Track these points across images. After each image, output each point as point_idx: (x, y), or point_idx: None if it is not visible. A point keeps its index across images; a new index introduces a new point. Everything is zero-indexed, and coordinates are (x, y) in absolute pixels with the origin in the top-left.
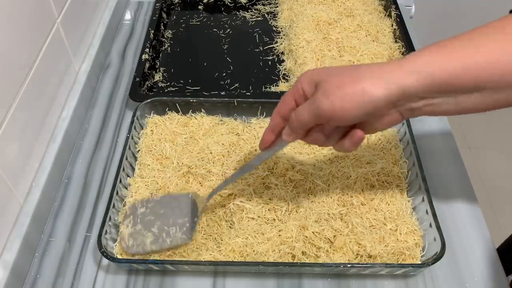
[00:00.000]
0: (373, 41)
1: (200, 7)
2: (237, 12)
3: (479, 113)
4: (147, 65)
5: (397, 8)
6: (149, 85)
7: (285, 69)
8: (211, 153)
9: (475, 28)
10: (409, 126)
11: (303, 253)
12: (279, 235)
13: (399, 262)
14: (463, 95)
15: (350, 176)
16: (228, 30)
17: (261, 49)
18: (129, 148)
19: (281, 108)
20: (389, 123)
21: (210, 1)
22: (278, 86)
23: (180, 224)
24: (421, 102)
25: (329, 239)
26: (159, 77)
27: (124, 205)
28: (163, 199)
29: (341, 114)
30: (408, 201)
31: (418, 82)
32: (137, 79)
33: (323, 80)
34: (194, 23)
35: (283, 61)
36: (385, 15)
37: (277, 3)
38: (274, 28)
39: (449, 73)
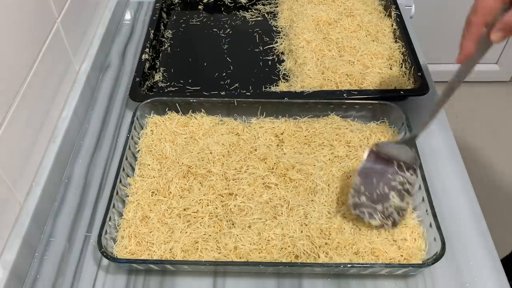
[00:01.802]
0: (373, 41)
1: (200, 7)
2: (237, 12)
3: (481, 112)
4: (147, 65)
5: (397, 8)
6: (149, 85)
7: (285, 69)
8: (211, 153)
9: None
10: (409, 126)
11: (304, 252)
12: (279, 235)
13: (399, 262)
14: None
15: (350, 176)
16: (228, 30)
17: (261, 49)
18: (129, 148)
19: (486, 16)
20: None
21: (210, 1)
22: (278, 86)
23: (401, 170)
24: None
25: (329, 238)
26: (159, 77)
27: (124, 205)
28: (365, 171)
29: None
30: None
31: None
32: (137, 79)
33: None
34: (194, 23)
35: (283, 61)
36: (385, 15)
37: (277, 3)
38: (274, 28)
39: None
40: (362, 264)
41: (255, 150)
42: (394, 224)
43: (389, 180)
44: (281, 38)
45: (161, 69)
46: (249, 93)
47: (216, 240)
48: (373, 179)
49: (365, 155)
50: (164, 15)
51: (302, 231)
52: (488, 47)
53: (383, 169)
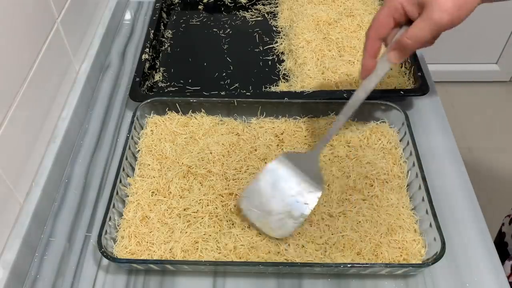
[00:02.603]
0: None
1: (200, 7)
2: (237, 12)
3: (481, 111)
4: (147, 65)
5: None
6: (149, 85)
7: (285, 69)
8: (211, 153)
9: None
10: (409, 126)
11: (304, 252)
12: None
13: (399, 262)
14: None
15: (350, 176)
16: (228, 30)
17: (261, 49)
18: (129, 148)
19: (379, 31)
20: None
21: (210, 1)
22: (278, 86)
23: (303, 186)
24: None
25: (329, 238)
26: (159, 77)
27: (124, 205)
28: (261, 182)
29: (458, 22)
30: (408, 201)
31: None
32: (137, 79)
33: None
34: (194, 23)
35: (283, 61)
36: None
37: (277, 3)
38: (274, 28)
39: None
40: (362, 264)
41: (255, 150)
42: (283, 232)
43: (288, 190)
44: (281, 38)
45: (161, 69)
46: (249, 93)
47: (216, 240)
48: (273, 185)
49: (273, 161)
50: (164, 15)
51: (302, 231)
52: (388, 66)
53: (285, 178)
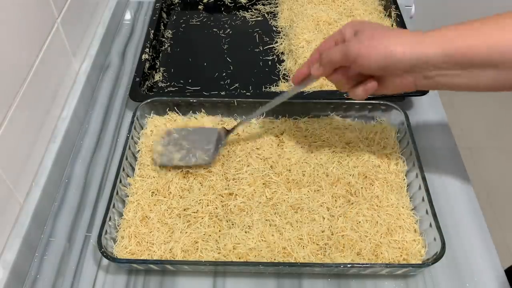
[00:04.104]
0: None
1: (200, 7)
2: (237, 12)
3: (481, 111)
4: (147, 65)
5: (397, 8)
6: (149, 85)
7: (285, 69)
8: None
9: (494, 15)
10: (409, 126)
11: (304, 252)
12: (280, 234)
13: (399, 262)
14: (477, 70)
15: (350, 175)
16: (228, 30)
17: (261, 49)
18: (129, 148)
19: (321, 46)
20: (402, 86)
21: (210, 1)
22: (278, 86)
23: (205, 149)
24: (435, 72)
25: (329, 239)
26: (159, 77)
27: (124, 205)
28: (196, 130)
29: (363, 60)
30: (408, 201)
31: (439, 52)
32: (137, 79)
33: (361, 30)
34: (194, 23)
35: (283, 61)
36: (385, 15)
37: (277, 3)
38: (274, 28)
39: (469, 46)
40: (362, 264)
41: (255, 150)
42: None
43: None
44: (281, 38)
45: (161, 69)
46: (249, 93)
47: (216, 240)
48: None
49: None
50: (164, 15)
51: (302, 231)
52: (313, 77)
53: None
